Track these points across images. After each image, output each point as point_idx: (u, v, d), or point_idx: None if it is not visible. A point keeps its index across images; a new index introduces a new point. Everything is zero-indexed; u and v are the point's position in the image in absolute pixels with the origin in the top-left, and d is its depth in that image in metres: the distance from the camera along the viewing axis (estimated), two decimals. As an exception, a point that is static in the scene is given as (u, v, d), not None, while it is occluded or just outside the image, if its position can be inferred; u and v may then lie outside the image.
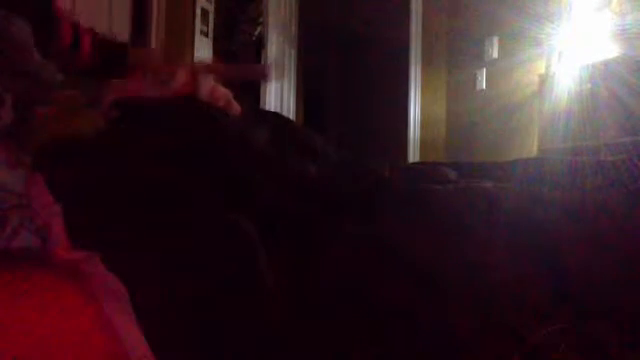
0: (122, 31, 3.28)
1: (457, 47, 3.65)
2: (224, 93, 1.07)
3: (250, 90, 4.01)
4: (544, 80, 3.00)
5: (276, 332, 0.57)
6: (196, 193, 0.68)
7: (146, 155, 0.70)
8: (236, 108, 1.07)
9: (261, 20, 4.15)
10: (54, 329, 0.51)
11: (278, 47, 4.25)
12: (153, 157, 0.70)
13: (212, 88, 1.06)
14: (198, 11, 3.89)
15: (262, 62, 4.10)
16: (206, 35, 3.99)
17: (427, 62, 3.75)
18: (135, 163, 0.68)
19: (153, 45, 3.63)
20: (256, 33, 4.15)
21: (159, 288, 0.57)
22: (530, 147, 3.08)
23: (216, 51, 4.11)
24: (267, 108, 4.05)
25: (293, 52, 4.52)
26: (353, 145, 5.40)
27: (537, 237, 0.68)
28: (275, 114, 1.23)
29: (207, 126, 0.82)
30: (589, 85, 2.60)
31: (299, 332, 0.57)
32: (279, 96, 4.28)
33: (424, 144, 3.72)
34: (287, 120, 1.27)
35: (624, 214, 0.72)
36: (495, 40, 3.41)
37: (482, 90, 3.49)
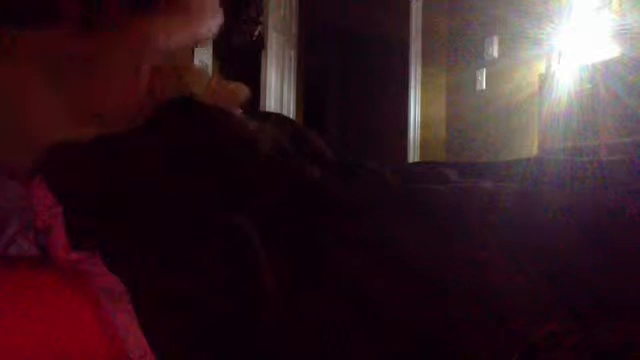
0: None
1: (457, 47, 3.65)
2: (229, 91, 1.05)
3: (250, 90, 4.01)
4: (544, 80, 3.00)
5: (275, 334, 0.57)
6: (197, 195, 0.68)
7: (147, 157, 0.70)
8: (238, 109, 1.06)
9: (261, 20, 4.15)
10: (54, 329, 0.51)
11: (278, 47, 4.25)
12: (154, 160, 0.70)
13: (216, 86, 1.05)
14: (198, 11, 3.89)
15: (262, 62, 4.10)
16: (206, 35, 3.99)
17: (427, 62, 3.75)
18: (136, 165, 0.68)
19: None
20: (256, 33, 4.15)
21: (159, 288, 0.57)
22: (530, 147, 3.08)
23: (216, 51, 4.11)
24: (267, 108, 4.05)
25: (293, 52, 4.52)
26: (353, 145, 5.41)
27: (537, 237, 0.68)
28: (276, 114, 1.23)
29: (208, 127, 0.82)
30: (589, 85, 2.60)
31: (299, 334, 0.57)
32: (279, 96, 4.28)
33: (424, 144, 3.72)
34: (288, 120, 1.26)
35: (624, 214, 0.72)
36: (495, 40, 3.41)
37: (482, 90, 3.49)
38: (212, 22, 0.92)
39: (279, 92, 4.28)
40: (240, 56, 4.23)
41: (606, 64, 2.55)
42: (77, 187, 0.63)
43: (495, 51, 3.41)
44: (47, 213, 0.60)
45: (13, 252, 0.58)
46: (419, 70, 3.75)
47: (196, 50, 3.87)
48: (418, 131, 3.75)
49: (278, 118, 1.15)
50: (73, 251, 0.58)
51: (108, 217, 0.62)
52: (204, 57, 3.97)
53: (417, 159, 3.65)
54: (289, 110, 4.42)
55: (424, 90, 3.75)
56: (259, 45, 4.11)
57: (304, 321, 0.58)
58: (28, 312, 0.51)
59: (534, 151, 3.00)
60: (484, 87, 3.48)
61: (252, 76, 4.11)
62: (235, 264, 0.60)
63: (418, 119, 3.75)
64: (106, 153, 0.68)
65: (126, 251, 0.59)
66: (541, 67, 3.11)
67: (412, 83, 3.78)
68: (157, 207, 0.64)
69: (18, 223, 0.60)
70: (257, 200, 0.70)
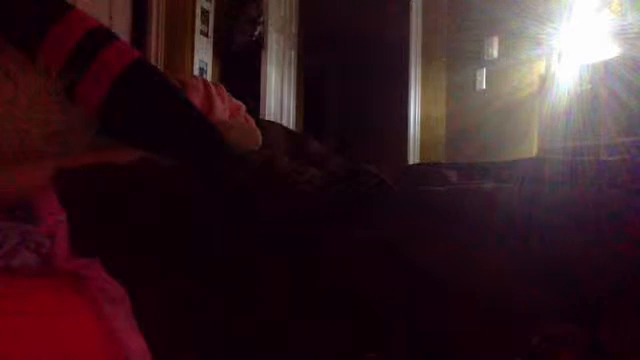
0: (122, 31, 3.28)
1: (457, 47, 3.65)
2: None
3: (250, 90, 4.01)
4: (544, 80, 3.00)
5: (277, 334, 0.57)
6: (197, 201, 0.68)
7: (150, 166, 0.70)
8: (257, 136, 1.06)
9: (261, 20, 4.14)
10: (55, 333, 0.51)
11: (278, 47, 4.25)
12: (157, 169, 0.70)
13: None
14: (198, 11, 3.89)
15: (262, 62, 4.10)
16: (206, 35, 4.00)
17: (427, 62, 3.74)
18: (139, 172, 0.68)
19: (153, 45, 3.63)
20: (256, 33, 4.15)
21: (160, 292, 0.57)
22: (530, 147, 3.08)
23: (216, 51, 4.11)
24: (267, 108, 4.05)
25: (293, 52, 4.51)
26: (353, 145, 5.40)
27: (537, 237, 0.68)
28: (273, 123, 1.24)
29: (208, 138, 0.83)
30: (589, 85, 2.60)
31: (300, 334, 0.57)
32: (279, 96, 4.28)
33: (424, 144, 3.72)
34: (285, 128, 1.28)
35: (624, 214, 0.72)
36: (495, 40, 3.41)
37: (482, 90, 3.49)
38: None
39: (279, 92, 4.28)
40: (240, 56, 4.22)
41: (606, 64, 2.55)
42: (83, 192, 0.64)
43: (495, 51, 3.41)
44: (51, 219, 0.60)
45: (16, 264, 0.58)
46: (419, 70, 3.75)
47: (196, 50, 3.88)
48: (418, 131, 3.75)
49: (275, 125, 1.16)
50: (75, 256, 0.58)
51: (110, 221, 0.62)
52: (204, 57, 3.98)
53: (417, 159, 3.65)
54: (289, 110, 4.42)
55: (424, 90, 3.75)
56: (259, 45, 4.11)
57: (305, 321, 0.58)
58: (28, 316, 0.51)
59: (534, 151, 3.00)
60: (484, 87, 3.48)
61: (252, 76, 4.11)
62: (236, 267, 0.61)
63: (418, 119, 3.75)
64: (113, 167, 0.68)
65: (127, 255, 0.59)
66: (541, 67, 3.11)
67: (412, 83, 3.78)
68: (159, 213, 0.64)
69: (19, 235, 0.60)
70: (259, 204, 0.70)
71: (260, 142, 1.04)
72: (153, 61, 3.62)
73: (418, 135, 3.74)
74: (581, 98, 2.62)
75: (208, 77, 3.96)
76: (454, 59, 3.67)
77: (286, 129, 1.34)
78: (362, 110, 5.80)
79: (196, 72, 3.86)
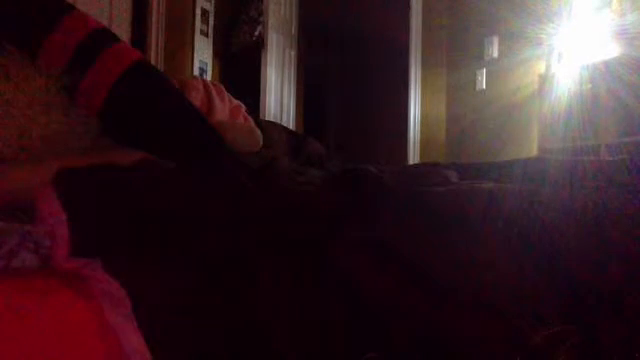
0: (122, 31, 3.28)
1: (457, 47, 3.65)
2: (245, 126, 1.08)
3: (250, 90, 4.01)
4: (544, 80, 3.00)
5: (277, 334, 0.57)
6: (197, 202, 0.68)
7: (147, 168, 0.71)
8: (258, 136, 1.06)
9: (261, 20, 4.15)
10: (55, 333, 0.51)
11: (278, 47, 4.25)
12: (157, 170, 0.71)
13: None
14: (198, 11, 3.90)
15: (262, 62, 4.11)
16: (206, 35, 4.00)
17: (427, 62, 3.75)
18: (140, 173, 0.68)
19: (153, 45, 3.63)
20: (256, 33, 4.15)
21: (159, 292, 0.57)
22: (530, 147, 3.08)
23: (216, 51, 4.11)
24: (267, 108, 4.05)
25: (293, 52, 4.52)
26: (353, 145, 5.40)
27: (537, 237, 0.68)
28: (273, 123, 1.24)
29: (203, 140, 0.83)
30: (589, 85, 2.60)
31: (300, 334, 0.57)
32: (279, 96, 4.29)
33: (424, 144, 3.72)
34: (285, 128, 1.28)
35: (624, 214, 0.72)
36: (495, 40, 3.41)
37: (482, 90, 3.49)
38: None
39: (279, 92, 4.28)
40: (240, 56, 4.23)
41: (606, 64, 2.55)
42: (83, 193, 0.64)
43: (495, 51, 3.41)
44: (51, 219, 0.61)
45: (16, 264, 0.58)
46: (419, 70, 3.75)
47: (196, 50, 3.88)
48: (418, 131, 3.75)
49: (270, 124, 1.16)
50: (75, 257, 0.58)
51: (110, 222, 0.62)
52: (204, 57, 3.98)
53: (417, 159, 3.65)
54: (289, 110, 4.42)
55: (424, 90, 3.75)
56: (259, 45, 4.11)
57: (305, 321, 0.58)
58: (28, 317, 0.51)
59: (534, 151, 3.00)
60: (484, 87, 3.48)
61: (252, 76, 4.11)
62: (237, 268, 0.61)
63: (418, 119, 3.75)
64: (113, 168, 0.69)
65: (127, 255, 0.59)
66: (541, 67, 3.11)
67: (412, 83, 3.78)
68: (159, 213, 0.64)
69: (19, 236, 0.60)
70: (258, 207, 0.70)
71: (260, 142, 1.05)
72: (153, 61, 3.62)
73: (418, 135, 3.74)
74: (581, 98, 2.62)
75: (208, 77, 3.97)
76: (454, 59, 3.67)
77: (286, 129, 1.34)
78: (362, 110, 5.80)
79: (196, 72, 3.87)
